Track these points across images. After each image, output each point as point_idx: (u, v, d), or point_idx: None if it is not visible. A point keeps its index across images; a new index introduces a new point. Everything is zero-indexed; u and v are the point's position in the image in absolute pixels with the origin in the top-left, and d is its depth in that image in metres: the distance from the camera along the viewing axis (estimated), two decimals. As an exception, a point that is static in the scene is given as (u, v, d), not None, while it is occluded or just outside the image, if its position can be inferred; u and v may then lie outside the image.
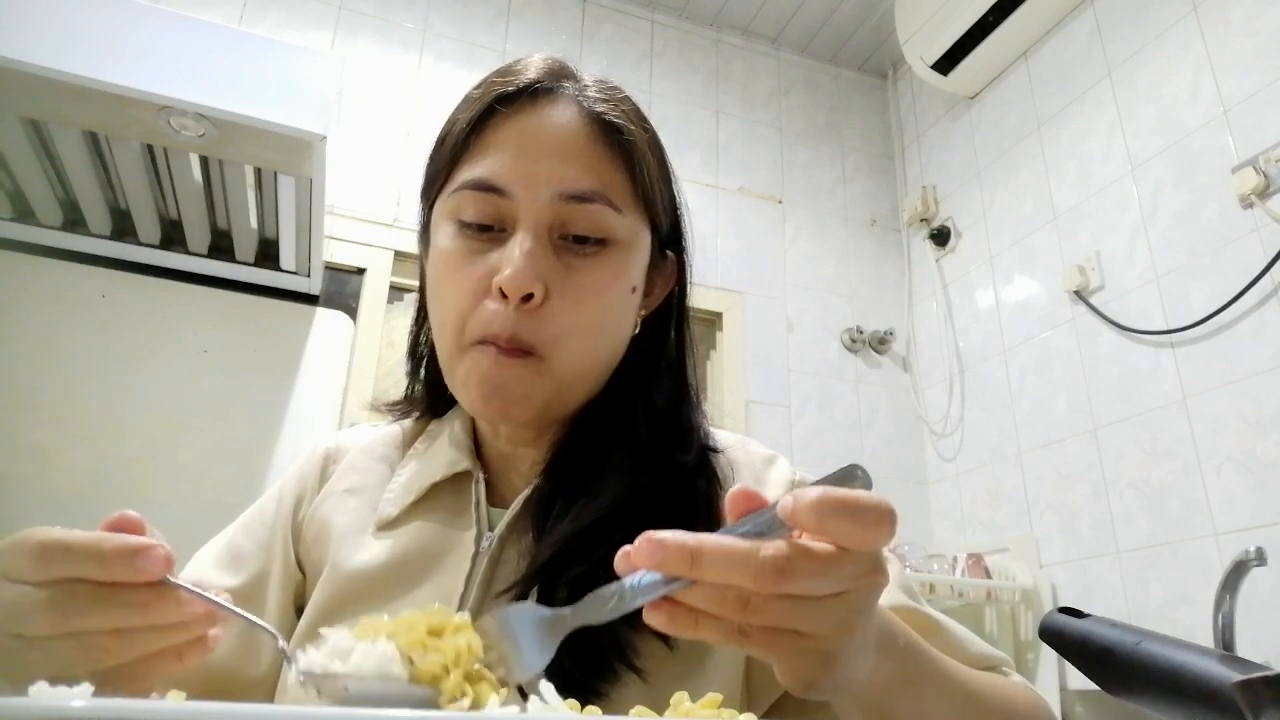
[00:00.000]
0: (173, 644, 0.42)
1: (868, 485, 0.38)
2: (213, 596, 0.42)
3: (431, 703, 0.36)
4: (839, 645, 0.39)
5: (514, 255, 0.58)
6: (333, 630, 0.38)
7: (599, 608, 0.39)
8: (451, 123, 0.66)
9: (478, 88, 0.65)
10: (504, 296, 0.58)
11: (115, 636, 0.41)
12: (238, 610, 0.42)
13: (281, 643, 0.42)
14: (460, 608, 0.59)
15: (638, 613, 0.55)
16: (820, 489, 0.36)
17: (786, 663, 0.39)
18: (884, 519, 0.36)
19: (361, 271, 2.09)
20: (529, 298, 0.58)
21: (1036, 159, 2.36)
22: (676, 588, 0.37)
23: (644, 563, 0.36)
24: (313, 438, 0.76)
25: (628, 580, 0.38)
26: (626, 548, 0.37)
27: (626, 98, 0.67)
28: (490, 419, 0.65)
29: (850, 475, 0.40)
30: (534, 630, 0.40)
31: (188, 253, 1.78)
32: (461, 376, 0.61)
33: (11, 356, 1.65)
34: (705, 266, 2.40)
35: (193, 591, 0.41)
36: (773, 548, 0.36)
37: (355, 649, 0.37)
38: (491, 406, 0.60)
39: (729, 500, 0.40)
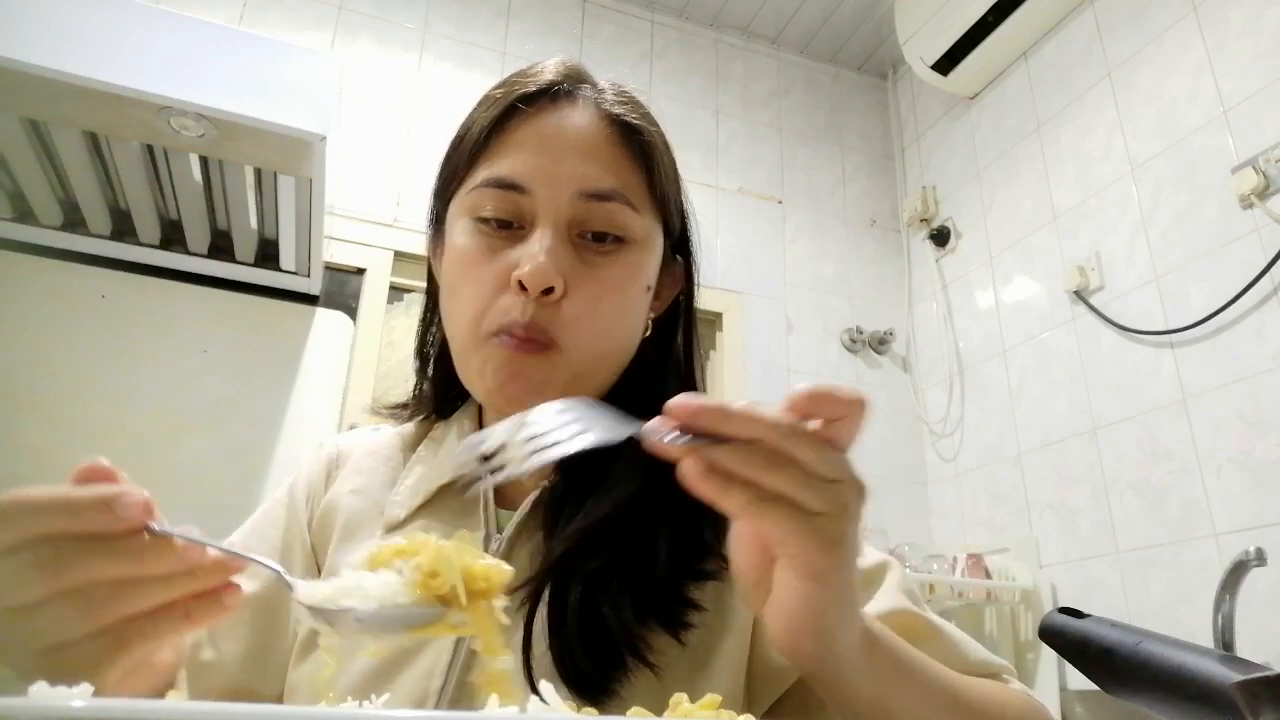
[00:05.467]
0: (181, 595, 0.40)
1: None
2: (206, 540, 0.39)
3: (436, 618, 0.39)
4: (837, 529, 0.40)
5: (534, 250, 0.59)
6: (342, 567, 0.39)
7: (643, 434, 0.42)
8: (470, 122, 0.66)
9: (498, 87, 0.66)
10: (523, 290, 0.59)
11: (117, 589, 0.38)
12: (237, 552, 0.40)
13: (290, 579, 0.41)
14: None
15: (646, 607, 0.55)
16: (809, 383, 0.41)
17: (795, 542, 0.40)
18: (858, 399, 0.41)
19: (361, 272, 2.08)
20: (548, 291, 0.59)
21: (1036, 159, 2.36)
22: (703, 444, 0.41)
23: (681, 416, 0.39)
24: (313, 438, 0.76)
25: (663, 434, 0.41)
26: (661, 415, 0.40)
27: (642, 103, 0.68)
28: (504, 407, 0.65)
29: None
30: (609, 413, 0.42)
31: (188, 253, 1.78)
32: (477, 366, 0.62)
33: (11, 356, 1.65)
34: (705, 267, 2.34)
35: (184, 537, 0.38)
36: (787, 415, 0.40)
37: (361, 582, 0.39)
38: (506, 393, 0.61)
39: None
